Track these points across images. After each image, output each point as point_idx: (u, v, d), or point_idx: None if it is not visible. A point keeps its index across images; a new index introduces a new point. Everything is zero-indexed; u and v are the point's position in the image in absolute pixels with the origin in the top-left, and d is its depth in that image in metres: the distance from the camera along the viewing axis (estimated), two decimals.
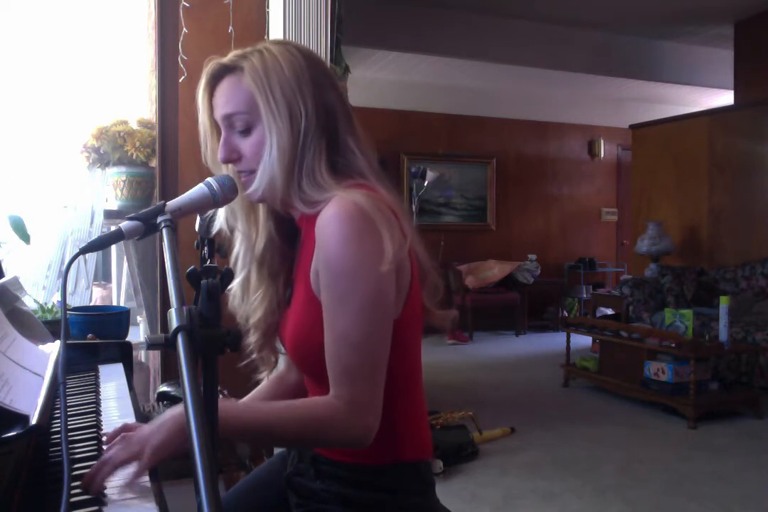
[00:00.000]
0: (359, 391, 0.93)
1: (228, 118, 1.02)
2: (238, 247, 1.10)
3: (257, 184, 1.01)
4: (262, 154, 1.00)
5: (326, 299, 0.95)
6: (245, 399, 1.21)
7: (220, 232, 1.12)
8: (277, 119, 0.98)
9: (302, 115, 0.99)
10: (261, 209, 1.10)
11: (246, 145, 1.02)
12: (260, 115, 0.99)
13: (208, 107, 1.06)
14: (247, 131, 1.01)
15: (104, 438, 0.98)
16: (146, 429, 0.91)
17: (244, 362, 1.15)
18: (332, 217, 0.93)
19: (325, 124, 1.01)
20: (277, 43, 1.05)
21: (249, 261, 1.09)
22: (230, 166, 1.07)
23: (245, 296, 1.11)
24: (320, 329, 0.97)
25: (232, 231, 1.10)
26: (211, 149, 1.08)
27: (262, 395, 1.22)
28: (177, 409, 0.92)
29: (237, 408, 0.95)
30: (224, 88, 1.02)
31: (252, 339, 1.12)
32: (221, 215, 1.09)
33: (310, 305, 1.00)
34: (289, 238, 1.12)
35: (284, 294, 1.10)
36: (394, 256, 0.92)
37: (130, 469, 0.87)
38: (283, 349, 1.14)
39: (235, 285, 1.11)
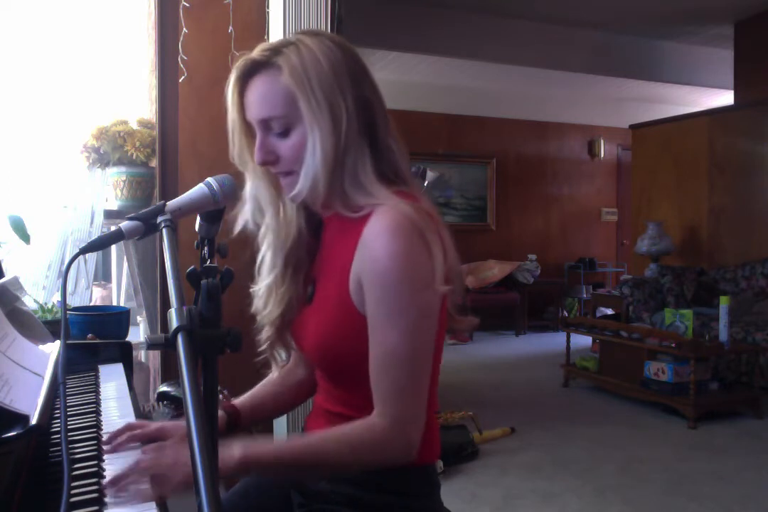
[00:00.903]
0: (405, 407, 0.92)
1: (264, 121, 0.98)
2: (266, 249, 1.07)
3: (300, 187, 0.97)
4: (301, 155, 0.97)
5: (374, 313, 0.93)
6: (250, 392, 1.20)
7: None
8: (319, 120, 0.94)
9: (343, 113, 0.95)
10: (289, 203, 1.06)
11: (284, 147, 0.98)
12: (300, 115, 0.95)
13: (239, 105, 1.01)
14: (285, 133, 0.97)
15: (104, 438, 0.98)
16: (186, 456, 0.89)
17: (258, 359, 1.14)
18: (384, 231, 0.91)
19: (365, 120, 0.98)
20: (309, 34, 0.99)
21: (280, 261, 1.06)
22: (254, 164, 1.04)
23: (269, 299, 1.08)
24: (354, 338, 0.96)
25: (258, 227, 1.07)
26: (239, 146, 1.04)
27: (268, 388, 1.21)
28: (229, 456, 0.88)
29: (267, 447, 0.91)
30: (259, 87, 0.97)
31: (265, 335, 1.10)
32: (247, 212, 1.06)
33: (344, 312, 0.98)
34: (314, 230, 1.09)
35: (303, 291, 1.08)
36: (443, 272, 0.92)
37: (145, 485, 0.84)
38: (293, 345, 1.13)
39: (261, 288, 1.08)
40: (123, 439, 0.99)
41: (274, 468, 0.92)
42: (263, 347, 1.12)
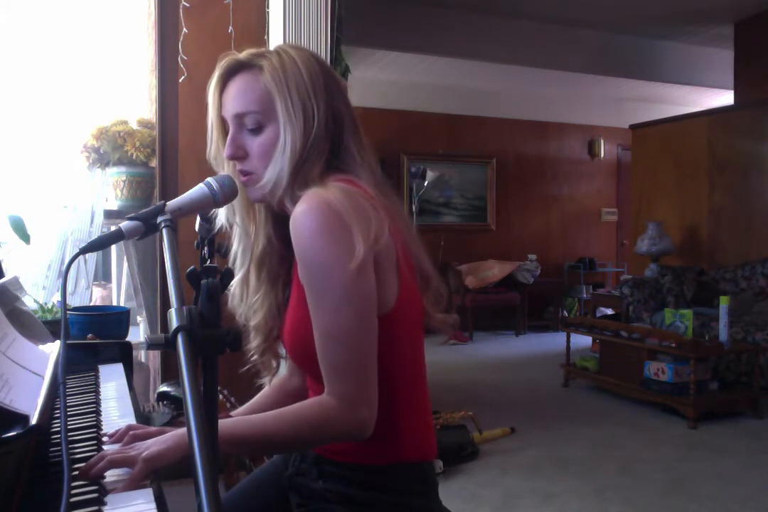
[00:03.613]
0: (348, 386, 0.94)
1: (239, 116, 1.02)
2: (237, 246, 1.10)
3: (265, 181, 1.01)
4: (270, 153, 1.01)
5: (307, 295, 0.96)
6: (245, 407, 1.21)
7: (220, 230, 1.12)
8: (293, 121, 0.99)
9: (315, 117, 1.00)
10: (260, 209, 1.10)
11: (255, 143, 1.02)
12: (275, 114, 1.00)
13: (218, 103, 1.05)
14: (257, 130, 1.02)
15: (105, 439, 0.98)
16: (151, 439, 0.92)
17: (246, 367, 1.15)
18: (301, 213, 0.94)
19: (332, 130, 1.02)
20: (292, 47, 1.06)
21: (248, 259, 1.09)
22: (231, 164, 1.07)
23: (244, 295, 1.11)
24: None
25: (231, 226, 1.11)
26: (215, 145, 1.08)
27: (264, 401, 1.22)
28: (183, 429, 0.92)
29: (229, 423, 0.95)
30: (238, 85, 1.02)
31: (253, 343, 1.11)
32: (221, 212, 1.10)
33: (303, 302, 1.00)
34: (286, 239, 1.12)
35: (284, 297, 1.10)
36: (365, 252, 0.92)
37: (128, 472, 0.87)
38: (284, 353, 1.14)
39: (234, 283, 1.11)
40: (127, 440, 0.99)
41: (229, 447, 0.94)
42: (253, 356, 1.13)
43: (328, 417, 0.94)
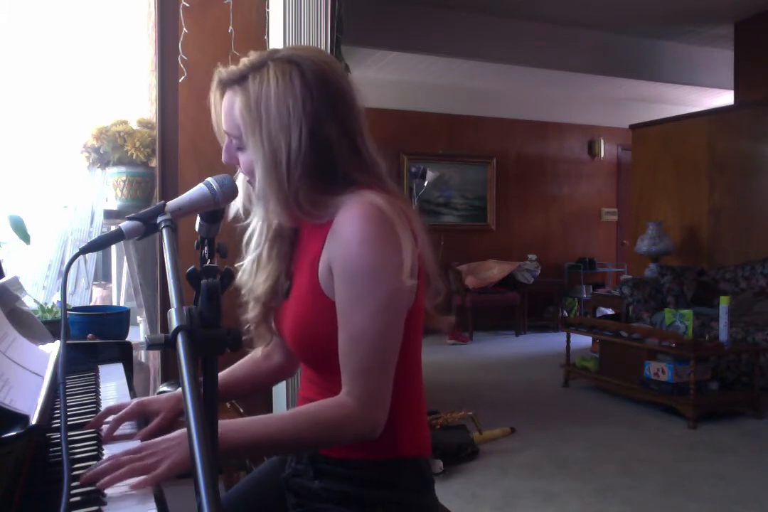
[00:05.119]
0: (371, 388, 0.95)
1: (227, 133, 1.05)
2: (253, 227, 1.12)
3: (262, 209, 1.04)
4: (253, 173, 1.02)
5: (342, 297, 0.96)
6: (228, 370, 1.22)
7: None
8: (260, 154, 0.98)
9: (286, 149, 0.97)
10: None
11: (241, 158, 1.05)
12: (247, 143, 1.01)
13: (220, 107, 1.07)
14: (241, 149, 1.03)
15: (102, 442, 0.99)
16: (164, 442, 0.89)
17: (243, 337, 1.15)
18: (354, 218, 0.95)
19: (319, 154, 0.99)
20: (284, 61, 0.99)
21: (264, 239, 1.11)
22: None
23: (254, 273, 1.12)
24: (324, 322, 0.99)
25: (247, 214, 1.12)
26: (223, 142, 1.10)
27: (245, 370, 1.23)
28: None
29: (243, 423, 0.95)
30: (225, 102, 1.03)
31: (251, 314, 1.12)
32: (238, 199, 1.11)
33: (315, 299, 1.01)
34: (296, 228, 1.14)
35: (284, 285, 1.11)
36: (412, 261, 0.95)
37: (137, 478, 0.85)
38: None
39: (247, 262, 1.13)
40: (113, 425, 1.01)
41: (250, 450, 0.95)
42: (249, 326, 1.14)
43: (346, 420, 0.95)
